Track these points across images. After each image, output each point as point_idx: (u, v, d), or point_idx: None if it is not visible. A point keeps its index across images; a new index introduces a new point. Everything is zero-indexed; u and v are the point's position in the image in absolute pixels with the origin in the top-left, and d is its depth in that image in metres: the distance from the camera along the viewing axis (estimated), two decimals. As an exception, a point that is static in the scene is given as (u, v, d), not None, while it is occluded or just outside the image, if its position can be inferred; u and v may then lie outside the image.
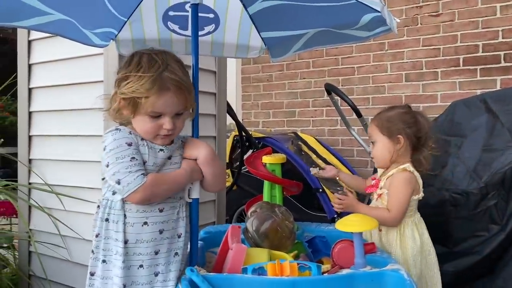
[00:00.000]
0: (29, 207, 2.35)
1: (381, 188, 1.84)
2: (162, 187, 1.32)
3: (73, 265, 2.17)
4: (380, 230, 1.83)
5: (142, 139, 1.35)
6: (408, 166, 1.81)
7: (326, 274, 1.56)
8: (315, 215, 3.01)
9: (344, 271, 1.39)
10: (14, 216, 2.46)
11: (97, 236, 1.34)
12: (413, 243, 1.79)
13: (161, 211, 1.33)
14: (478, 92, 3.71)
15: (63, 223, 2.18)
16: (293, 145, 3.76)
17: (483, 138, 2.23)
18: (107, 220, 1.33)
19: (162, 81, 1.28)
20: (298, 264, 1.40)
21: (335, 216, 2.94)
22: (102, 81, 2.02)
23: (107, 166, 1.29)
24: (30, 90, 2.40)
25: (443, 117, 2.55)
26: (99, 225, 1.34)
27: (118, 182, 1.27)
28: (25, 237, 2.33)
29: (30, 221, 2.36)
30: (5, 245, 2.33)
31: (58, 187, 2.23)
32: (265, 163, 1.94)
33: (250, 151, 3.32)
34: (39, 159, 2.37)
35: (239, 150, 3.43)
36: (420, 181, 1.82)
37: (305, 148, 3.77)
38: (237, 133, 3.40)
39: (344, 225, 1.49)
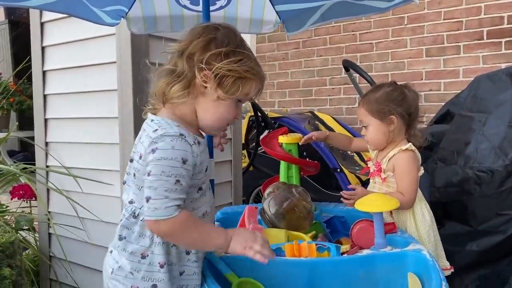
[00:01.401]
0: (48, 190, 2.37)
1: (384, 172, 1.77)
2: (189, 234, 1.11)
3: (91, 246, 2.18)
4: (391, 213, 1.78)
5: (189, 133, 1.14)
6: (410, 145, 1.75)
7: (346, 255, 1.53)
8: (334, 195, 2.96)
9: (364, 252, 1.35)
10: (34, 199, 2.49)
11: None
12: (423, 219, 1.75)
13: None
14: (503, 66, 3.56)
15: (81, 205, 2.19)
16: (310, 125, 3.70)
17: (509, 114, 2.13)
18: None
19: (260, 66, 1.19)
20: (316, 245, 1.37)
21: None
22: (115, 62, 1.99)
23: (148, 174, 1.08)
24: (44, 73, 2.39)
25: (465, 93, 2.45)
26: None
27: (148, 200, 1.08)
28: (44, 220, 2.36)
29: (49, 203, 2.38)
30: (25, 227, 2.36)
31: (75, 170, 2.24)
32: (281, 143, 1.89)
33: (266, 131, 3.28)
34: (56, 142, 2.37)
35: (255, 130, 3.39)
36: (420, 157, 1.76)
37: (322, 128, 3.71)
38: (253, 114, 3.35)
39: (363, 205, 1.45)
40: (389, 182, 1.76)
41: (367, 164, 1.94)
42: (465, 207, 2.12)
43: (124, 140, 1.99)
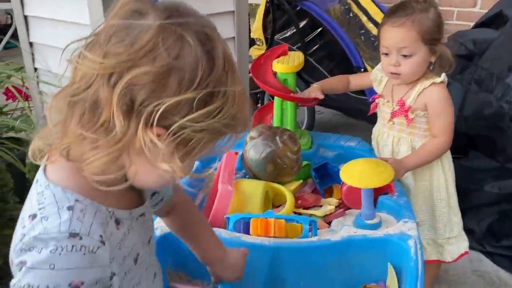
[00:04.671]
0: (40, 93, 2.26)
1: (412, 111, 1.47)
2: None
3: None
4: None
5: (109, 209, 0.66)
6: (444, 77, 1.43)
7: (331, 215, 1.37)
8: (354, 97, 2.66)
9: (339, 235, 1.18)
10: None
11: None
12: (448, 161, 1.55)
13: None
14: None
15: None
16: (341, 4, 3.19)
17: None
18: None
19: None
20: (286, 220, 1.20)
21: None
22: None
23: None
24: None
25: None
26: None
27: None
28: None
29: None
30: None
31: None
32: (275, 72, 1.59)
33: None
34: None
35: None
36: None
37: (355, 9, 3.20)
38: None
39: (350, 177, 1.22)
40: (415, 123, 1.48)
41: (374, 101, 1.64)
42: (494, 142, 1.83)
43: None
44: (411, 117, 1.46)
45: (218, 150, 0.65)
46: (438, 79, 1.42)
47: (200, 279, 1.13)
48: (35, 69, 2.22)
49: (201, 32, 0.59)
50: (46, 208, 0.61)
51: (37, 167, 0.67)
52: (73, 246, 0.58)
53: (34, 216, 0.61)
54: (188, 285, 1.15)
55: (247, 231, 1.17)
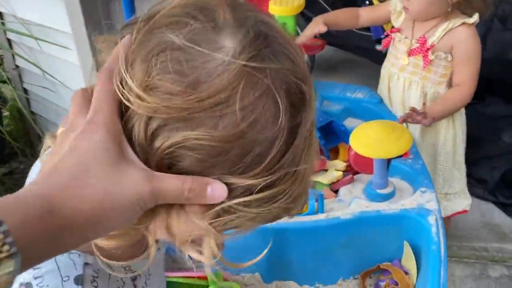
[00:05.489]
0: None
1: (433, 52, 1.30)
2: None
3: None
4: (424, 104, 1.38)
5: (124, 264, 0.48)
6: (477, 17, 1.26)
7: (338, 182, 1.24)
8: (358, 34, 2.42)
9: (350, 211, 1.04)
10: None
11: None
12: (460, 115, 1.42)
13: None
14: None
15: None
16: None
17: None
18: None
19: None
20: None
21: (382, 37, 2.35)
22: None
23: None
24: None
25: None
26: None
27: None
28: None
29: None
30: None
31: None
32: (272, 15, 1.36)
33: None
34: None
35: None
36: None
37: None
38: None
39: (361, 145, 1.06)
40: (432, 66, 1.32)
41: (389, 35, 1.46)
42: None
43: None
44: (430, 58, 1.29)
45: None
46: (471, 20, 1.26)
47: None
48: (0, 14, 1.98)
49: (295, 88, 0.38)
50: (44, 278, 0.43)
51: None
52: None
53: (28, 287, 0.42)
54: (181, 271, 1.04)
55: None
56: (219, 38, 0.36)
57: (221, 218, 0.38)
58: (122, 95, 0.36)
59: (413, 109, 1.24)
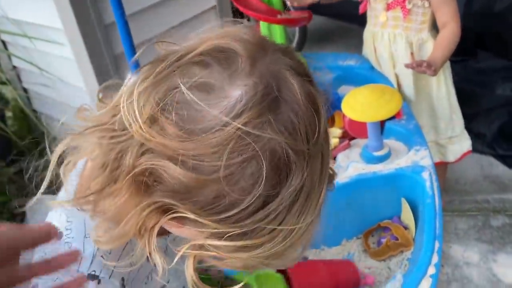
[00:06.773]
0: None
1: (410, 2, 1.33)
2: None
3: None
4: (411, 53, 1.41)
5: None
6: None
7: (335, 148, 1.27)
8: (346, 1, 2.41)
9: (347, 175, 1.08)
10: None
11: None
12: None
13: None
14: None
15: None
16: None
17: None
18: None
19: None
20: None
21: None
22: None
23: None
24: None
25: None
26: None
27: None
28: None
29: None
30: None
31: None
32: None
33: None
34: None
35: None
36: None
37: None
38: None
39: (353, 110, 1.10)
40: (412, 15, 1.36)
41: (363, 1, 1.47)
42: (505, 41, 1.66)
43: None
44: (408, 7, 1.33)
45: None
46: None
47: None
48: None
49: (284, 158, 0.39)
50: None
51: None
52: None
53: None
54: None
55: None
56: (229, 87, 0.38)
57: (198, 252, 0.41)
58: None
59: (419, 63, 1.25)
